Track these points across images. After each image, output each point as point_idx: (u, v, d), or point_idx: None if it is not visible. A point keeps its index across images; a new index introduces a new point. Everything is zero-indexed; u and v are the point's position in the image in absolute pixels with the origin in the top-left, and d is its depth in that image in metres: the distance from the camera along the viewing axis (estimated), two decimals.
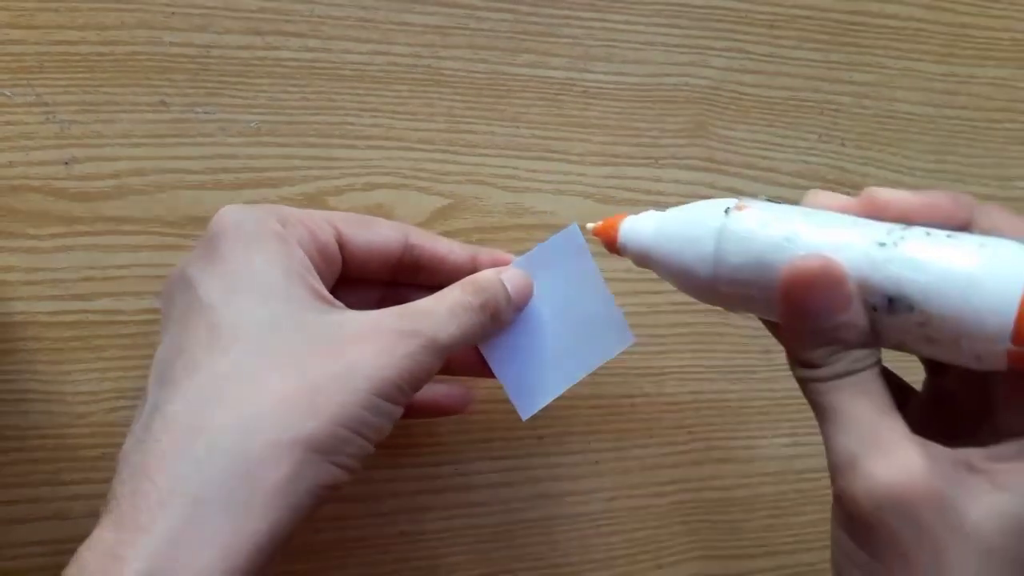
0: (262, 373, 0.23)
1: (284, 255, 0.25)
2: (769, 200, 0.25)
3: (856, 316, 0.22)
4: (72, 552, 0.31)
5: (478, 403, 0.35)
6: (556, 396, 0.31)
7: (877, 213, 0.23)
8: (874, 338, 0.23)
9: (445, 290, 0.27)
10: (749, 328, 0.39)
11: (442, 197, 0.35)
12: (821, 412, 0.23)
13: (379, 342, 0.24)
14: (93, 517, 0.31)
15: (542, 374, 0.30)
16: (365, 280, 0.30)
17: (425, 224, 0.35)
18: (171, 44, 0.32)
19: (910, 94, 0.41)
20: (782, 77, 0.39)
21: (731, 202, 0.25)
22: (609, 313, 0.31)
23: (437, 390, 0.32)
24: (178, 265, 0.26)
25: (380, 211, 0.34)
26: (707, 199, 0.26)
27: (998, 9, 0.43)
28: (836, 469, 0.22)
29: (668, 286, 0.38)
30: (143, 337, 0.32)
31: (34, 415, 0.31)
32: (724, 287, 0.24)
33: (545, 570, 0.37)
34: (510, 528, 0.36)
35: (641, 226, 0.27)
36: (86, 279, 0.31)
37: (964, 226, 0.23)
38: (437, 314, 0.26)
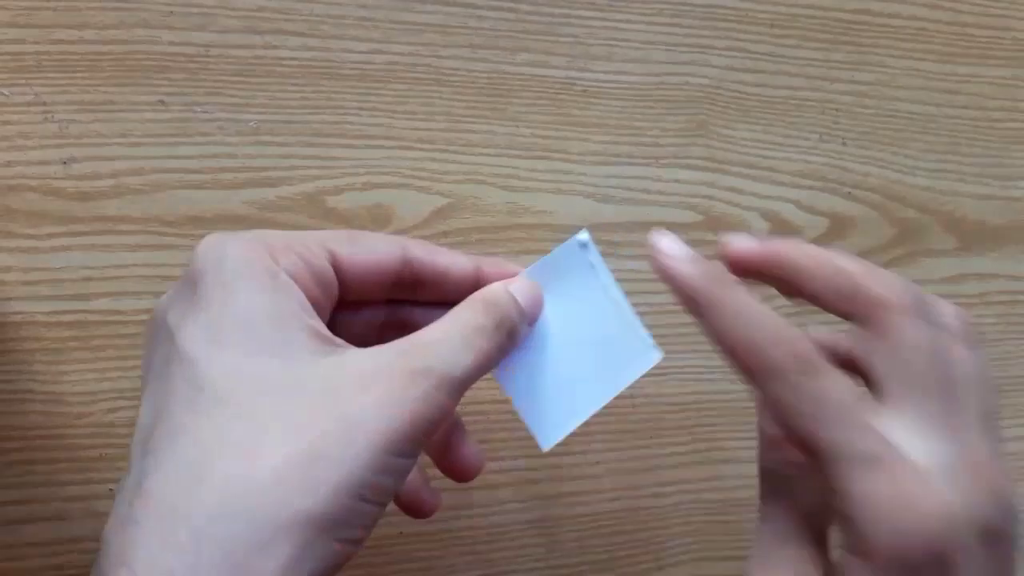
0: (251, 441, 0.20)
1: (274, 293, 0.22)
2: None
3: None
4: (69, 552, 0.31)
5: (477, 404, 0.35)
6: (579, 424, 0.28)
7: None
8: None
9: (452, 313, 0.24)
10: None
11: (441, 196, 0.35)
12: None
13: (385, 387, 0.21)
14: (91, 518, 0.31)
15: (562, 398, 0.28)
16: (365, 301, 0.27)
17: (424, 224, 0.35)
18: (170, 43, 0.32)
19: (911, 93, 0.41)
20: (783, 76, 0.39)
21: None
22: (629, 327, 0.28)
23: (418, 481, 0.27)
24: (157, 306, 0.23)
25: (379, 211, 0.34)
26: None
27: (999, 9, 0.42)
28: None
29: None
30: (142, 337, 0.32)
31: (33, 415, 0.31)
32: None
33: (545, 571, 0.37)
34: (510, 529, 0.36)
35: None
36: (84, 279, 0.31)
37: None
38: (450, 343, 0.23)
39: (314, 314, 0.23)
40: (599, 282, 0.28)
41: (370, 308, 0.27)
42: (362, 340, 0.27)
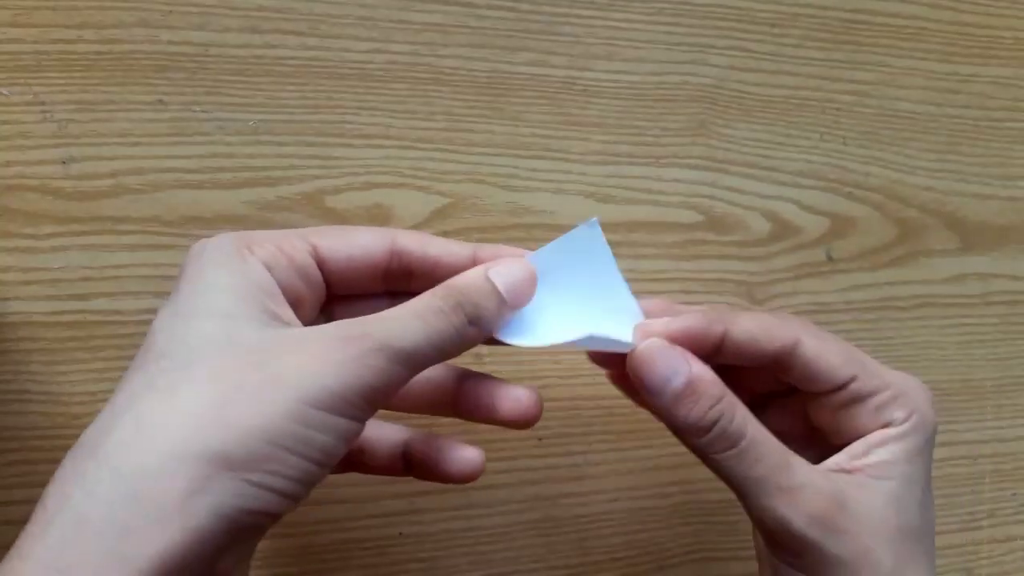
0: (174, 388, 0.21)
1: (236, 276, 0.23)
2: None
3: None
4: None
5: None
6: (545, 344, 0.27)
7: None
8: None
9: (414, 299, 0.25)
10: None
11: (441, 196, 0.35)
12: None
13: (315, 348, 0.22)
14: None
15: (541, 330, 0.28)
16: (361, 294, 0.27)
17: (424, 224, 0.35)
18: (169, 43, 0.32)
19: (912, 93, 0.41)
20: (784, 76, 0.39)
21: None
22: (628, 311, 0.29)
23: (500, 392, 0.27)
24: None
25: (379, 210, 0.34)
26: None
27: (1001, 8, 0.42)
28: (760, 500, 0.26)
29: (671, 287, 0.38)
30: (141, 337, 0.31)
31: (31, 416, 0.31)
32: None
33: (545, 572, 0.36)
34: (509, 530, 0.36)
35: None
36: (83, 279, 0.31)
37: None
38: (397, 318, 0.23)
39: (280, 299, 0.24)
40: (606, 272, 0.29)
41: (369, 300, 0.27)
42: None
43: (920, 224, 0.41)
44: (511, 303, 0.26)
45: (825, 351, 0.28)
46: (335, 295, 0.27)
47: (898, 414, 0.28)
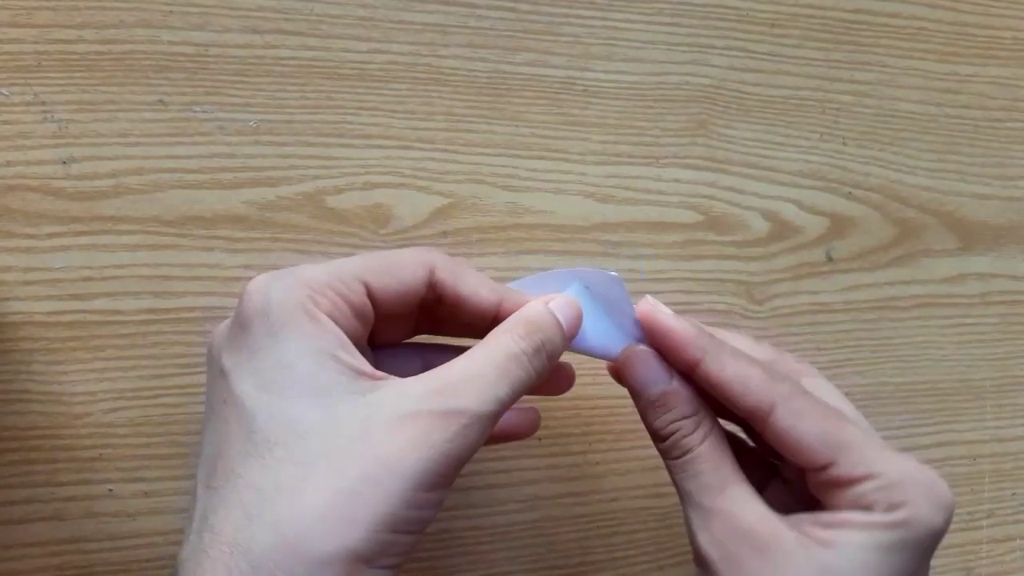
0: (297, 484, 0.22)
1: (316, 338, 0.24)
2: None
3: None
4: (68, 553, 0.31)
5: None
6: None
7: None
8: None
9: (491, 338, 0.26)
10: (750, 330, 0.39)
11: (441, 196, 0.35)
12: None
13: (418, 429, 0.23)
14: (90, 518, 0.31)
15: None
16: (397, 316, 0.28)
17: (424, 224, 0.35)
18: (169, 43, 0.32)
19: (912, 93, 0.41)
20: (783, 76, 0.39)
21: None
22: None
23: (506, 418, 0.28)
24: (212, 343, 0.26)
25: (379, 211, 0.34)
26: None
27: (1000, 8, 0.42)
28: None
29: (670, 287, 0.38)
30: (141, 337, 0.32)
31: (31, 415, 0.31)
32: None
33: (544, 572, 0.36)
34: (509, 529, 0.36)
35: None
36: (84, 279, 0.31)
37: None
38: (484, 380, 0.24)
39: (354, 351, 0.25)
40: (622, 304, 0.29)
41: (403, 320, 0.29)
42: (400, 338, 0.30)
43: (920, 224, 0.41)
44: (569, 338, 0.28)
45: (800, 428, 0.26)
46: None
47: (880, 505, 0.25)
